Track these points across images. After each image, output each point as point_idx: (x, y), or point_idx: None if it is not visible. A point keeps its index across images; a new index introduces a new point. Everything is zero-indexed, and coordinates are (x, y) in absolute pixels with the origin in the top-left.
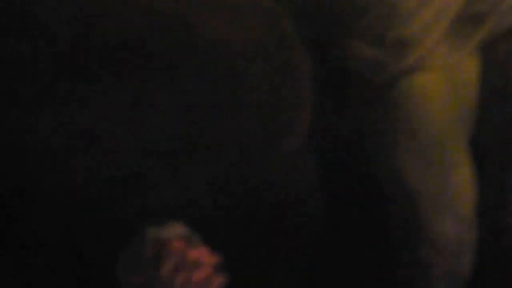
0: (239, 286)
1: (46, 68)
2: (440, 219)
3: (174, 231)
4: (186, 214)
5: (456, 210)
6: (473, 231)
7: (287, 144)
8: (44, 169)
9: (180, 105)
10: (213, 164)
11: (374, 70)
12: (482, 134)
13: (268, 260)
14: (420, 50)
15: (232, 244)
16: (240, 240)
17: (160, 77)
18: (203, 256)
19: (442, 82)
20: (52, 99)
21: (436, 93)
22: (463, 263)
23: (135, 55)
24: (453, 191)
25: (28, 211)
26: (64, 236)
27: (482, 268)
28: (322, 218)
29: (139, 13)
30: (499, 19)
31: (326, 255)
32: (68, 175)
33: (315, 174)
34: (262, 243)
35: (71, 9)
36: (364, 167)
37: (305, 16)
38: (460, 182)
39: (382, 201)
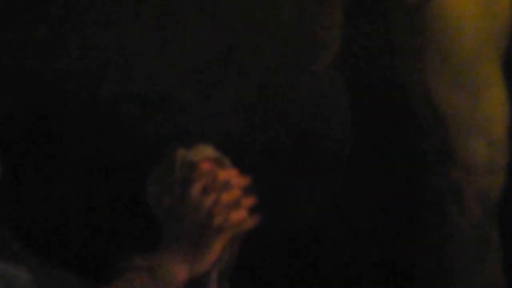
0: (267, 208)
1: None
2: (472, 141)
3: (204, 153)
4: (215, 136)
5: (488, 132)
6: (505, 153)
7: (317, 65)
8: (76, 90)
9: (211, 25)
10: (242, 85)
11: None
12: None
13: (296, 182)
14: None
15: (261, 166)
16: (268, 162)
17: None
18: (232, 178)
19: (474, 2)
20: (81, 21)
21: (468, 13)
22: (494, 185)
23: None
24: (484, 112)
25: (60, 132)
26: (95, 156)
27: None
28: (350, 139)
29: None
30: None
31: (353, 179)
32: (98, 96)
33: (345, 95)
34: (290, 164)
35: None
36: (395, 89)
37: None
38: (492, 103)
39: (412, 124)
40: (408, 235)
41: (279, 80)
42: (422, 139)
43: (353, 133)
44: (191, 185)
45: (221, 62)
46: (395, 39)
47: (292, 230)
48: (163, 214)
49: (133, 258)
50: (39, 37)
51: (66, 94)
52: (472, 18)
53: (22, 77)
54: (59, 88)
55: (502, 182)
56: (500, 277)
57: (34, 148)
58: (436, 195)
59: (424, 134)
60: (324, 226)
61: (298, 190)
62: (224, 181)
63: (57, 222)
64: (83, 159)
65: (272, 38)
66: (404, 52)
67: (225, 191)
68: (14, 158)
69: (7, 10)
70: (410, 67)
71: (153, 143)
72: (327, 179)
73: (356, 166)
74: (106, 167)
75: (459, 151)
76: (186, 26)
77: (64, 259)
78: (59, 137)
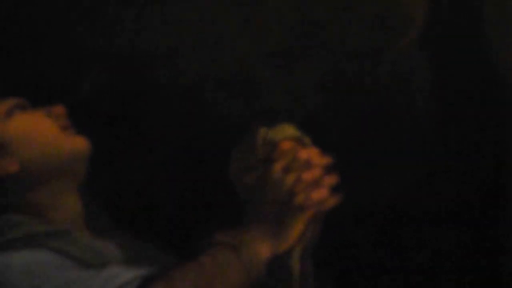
0: (350, 186)
1: None
2: None
3: (285, 132)
4: (296, 115)
5: None
6: None
7: (401, 42)
8: (160, 71)
9: (293, 4)
10: (324, 64)
11: None
12: None
13: (377, 161)
14: None
15: (342, 145)
16: (350, 140)
17: None
18: (314, 157)
19: None
20: (164, 2)
21: None
22: None
23: None
24: None
25: (146, 112)
26: (180, 136)
27: None
28: (434, 117)
29: None
30: None
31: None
32: (178, 76)
33: (429, 72)
34: (372, 143)
35: None
36: (481, 65)
37: None
38: None
39: (499, 100)
40: (493, 213)
41: (362, 57)
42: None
43: (435, 112)
44: (272, 164)
45: (303, 41)
46: (481, 15)
47: (374, 209)
48: (246, 192)
49: (217, 235)
50: (124, 19)
51: (151, 76)
52: None
53: (109, 59)
54: (144, 69)
55: None
56: None
57: (121, 127)
58: None
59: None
60: (406, 205)
61: (380, 169)
62: (305, 160)
63: (144, 199)
64: (168, 139)
65: (356, 15)
66: (491, 27)
67: (306, 170)
68: (102, 137)
69: None
70: (498, 42)
71: (235, 123)
72: (409, 158)
73: (438, 145)
74: (190, 147)
75: None
76: (267, 5)
77: (151, 235)
78: (145, 117)
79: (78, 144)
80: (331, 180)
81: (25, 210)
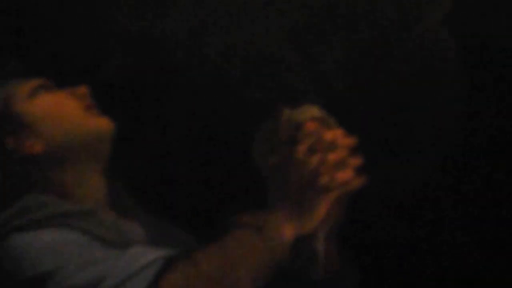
0: (375, 167)
1: None
2: None
3: (309, 113)
4: (321, 96)
5: None
6: None
7: (427, 21)
8: (183, 51)
9: None
10: (349, 44)
11: None
12: None
13: (404, 142)
14: None
15: (367, 126)
16: (375, 121)
17: None
18: (339, 138)
19: None
20: None
21: None
22: None
23: None
24: None
25: (168, 92)
26: (202, 117)
27: None
28: (461, 98)
29: None
30: None
31: (466, 138)
32: (202, 56)
33: (455, 53)
34: (397, 123)
35: None
36: (506, 48)
37: None
38: None
39: None
40: None
41: (386, 37)
42: None
43: (462, 92)
44: (296, 145)
45: (329, 20)
46: None
47: (399, 190)
48: (270, 173)
49: (241, 216)
50: (148, 0)
51: (175, 56)
52: None
53: (133, 40)
54: (168, 50)
55: None
56: None
57: (145, 107)
58: None
59: None
60: (432, 188)
61: (405, 151)
62: (330, 141)
63: (167, 179)
64: (192, 119)
65: None
66: None
67: (331, 151)
68: (126, 117)
69: None
70: None
71: (259, 103)
72: (435, 139)
73: (466, 126)
74: (214, 127)
75: None
76: None
77: (174, 215)
78: (168, 98)
79: (102, 124)
80: (355, 161)
81: (49, 190)
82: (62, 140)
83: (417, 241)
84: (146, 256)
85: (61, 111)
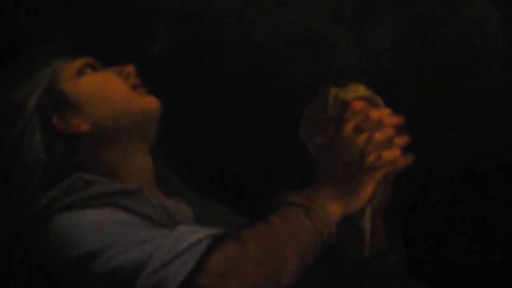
0: (422, 146)
1: None
2: None
3: (357, 92)
4: (368, 75)
5: None
6: None
7: (475, 2)
8: (225, 29)
9: None
10: (397, 22)
11: None
12: None
13: (450, 121)
14: None
15: (414, 105)
16: (422, 100)
17: None
18: (385, 117)
19: None
20: None
21: None
22: None
23: None
24: None
25: (216, 72)
26: (249, 96)
27: None
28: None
29: None
30: None
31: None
32: (249, 35)
33: (501, 30)
34: (445, 102)
35: None
36: None
37: None
38: None
39: None
40: None
41: (434, 15)
42: None
43: (507, 68)
44: (343, 124)
45: (375, 2)
46: None
47: (446, 169)
48: (317, 152)
49: (288, 195)
50: None
51: (221, 35)
52: None
53: (180, 18)
54: (214, 29)
55: None
56: None
57: (191, 86)
58: None
59: None
60: (479, 166)
61: (452, 130)
62: (377, 120)
63: (214, 158)
64: (238, 98)
65: None
66: None
67: (378, 130)
68: (173, 96)
69: None
70: None
71: (306, 82)
72: (483, 119)
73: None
74: (261, 106)
75: None
76: None
77: (221, 195)
78: (215, 76)
79: (149, 103)
80: (402, 140)
81: (97, 169)
82: (109, 120)
83: (462, 220)
84: (193, 235)
85: (108, 91)
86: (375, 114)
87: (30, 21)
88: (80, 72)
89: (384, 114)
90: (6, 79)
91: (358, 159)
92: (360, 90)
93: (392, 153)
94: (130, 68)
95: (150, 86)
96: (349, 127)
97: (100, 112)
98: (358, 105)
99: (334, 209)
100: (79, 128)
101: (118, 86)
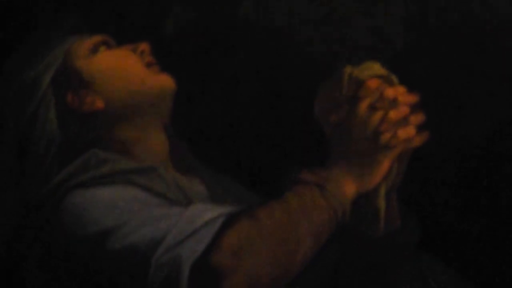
0: (437, 124)
1: None
2: None
3: (372, 70)
4: (384, 53)
5: None
6: None
7: None
8: (242, 8)
9: None
10: (409, 1)
11: None
12: None
13: (467, 99)
14: None
15: (429, 83)
16: (438, 78)
17: None
18: (401, 95)
19: None
20: None
21: None
22: None
23: None
24: None
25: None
26: (264, 74)
27: None
28: None
29: None
30: None
31: None
32: (264, 13)
33: None
34: (461, 81)
35: None
36: None
37: None
38: None
39: None
40: None
41: None
42: None
43: None
44: (358, 102)
45: None
46: None
47: (461, 147)
48: (331, 130)
49: (302, 173)
50: None
51: (237, 13)
52: None
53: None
54: (230, 6)
55: None
56: None
57: (206, 64)
58: None
59: None
60: (494, 144)
61: (467, 108)
62: (392, 98)
63: (229, 136)
64: (253, 76)
65: None
66: None
67: (393, 108)
68: (187, 74)
69: None
70: None
71: (321, 60)
72: (498, 96)
73: None
74: (276, 84)
75: None
76: None
77: (235, 172)
78: (230, 54)
79: (163, 81)
80: (418, 118)
81: (111, 147)
82: (123, 97)
83: (479, 198)
84: (207, 213)
85: (122, 68)
86: (390, 92)
87: None
88: (95, 50)
89: (399, 92)
90: (21, 56)
91: (373, 137)
92: (375, 68)
93: (407, 132)
94: (144, 46)
95: (164, 64)
96: (363, 106)
97: (115, 90)
98: (373, 83)
99: (349, 188)
100: (94, 106)
101: (133, 63)
